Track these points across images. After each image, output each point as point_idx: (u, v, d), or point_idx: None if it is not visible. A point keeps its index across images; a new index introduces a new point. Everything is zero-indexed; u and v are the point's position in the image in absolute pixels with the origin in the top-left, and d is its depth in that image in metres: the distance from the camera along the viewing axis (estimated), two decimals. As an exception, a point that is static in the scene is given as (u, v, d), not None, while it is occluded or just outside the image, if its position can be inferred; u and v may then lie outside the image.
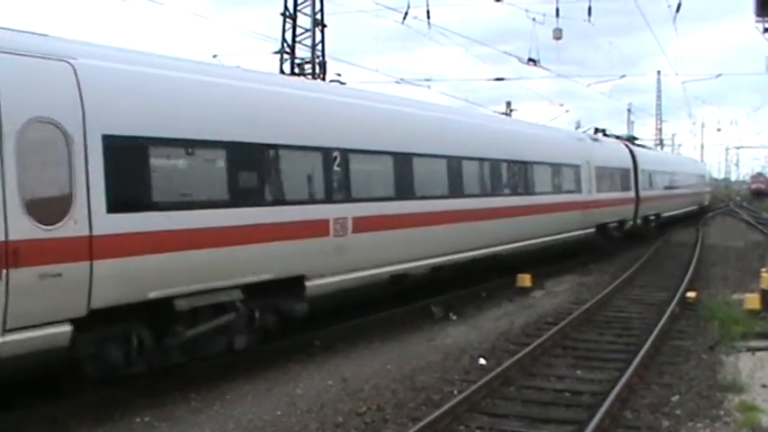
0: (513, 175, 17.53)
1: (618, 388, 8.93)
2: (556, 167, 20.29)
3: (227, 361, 10.25)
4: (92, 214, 7.76)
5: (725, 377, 9.97)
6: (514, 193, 17.53)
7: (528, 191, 18.26)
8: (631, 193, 27.32)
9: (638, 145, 33.68)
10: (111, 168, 8.01)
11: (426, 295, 14.74)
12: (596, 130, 28.95)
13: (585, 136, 25.30)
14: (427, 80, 32.78)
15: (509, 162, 17.26)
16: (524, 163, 18.16)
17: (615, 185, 25.36)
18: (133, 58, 8.99)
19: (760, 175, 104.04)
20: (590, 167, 22.73)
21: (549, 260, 20.73)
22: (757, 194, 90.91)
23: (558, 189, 20.29)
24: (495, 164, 16.56)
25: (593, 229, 22.85)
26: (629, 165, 27.75)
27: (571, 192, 21.26)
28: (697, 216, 44.29)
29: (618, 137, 30.82)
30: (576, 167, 21.88)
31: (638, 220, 28.34)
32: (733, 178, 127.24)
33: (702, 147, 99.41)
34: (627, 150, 28.47)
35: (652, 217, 30.85)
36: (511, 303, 16.23)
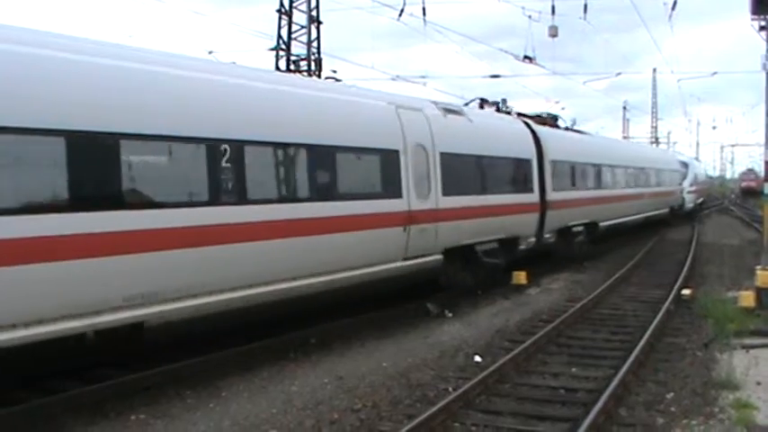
0: (209, 164, 9.46)
1: (613, 385, 8.95)
2: (327, 154, 11.41)
3: (223, 358, 10.25)
4: None
5: (719, 374, 10.00)
6: (213, 200, 9.46)
7: (243, 196, 9.89)
8: (532, 196, 18.39)
9: (555, 126, 23.03)
10: None
11: (422, 293, 14.75)
12: (482, 103, 19.74)
13: (425, 104, 15.00)
14: (423, 77, 32.72)
15: (191, 142, 9.24)
16: (226, 144, 9.61)
17: (496, 184, 16.43)
18: None
19: (750, 171, 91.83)
20: (428, 156, 13.87)
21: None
22: (748, 193, 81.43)
23: (330, 192, 11.45)
24: (133, 145, 8.56)
25: (437, 257, 14.14)
26: (529, 153, 18.63)
27: (375, 196, 12.41)
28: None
29: (522, 114, 20.99)
30: (392, 155, 12.92)
31: (548, 235, 19.49)
32: (728, 176, 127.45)
33: (698, 144, 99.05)
34: (526, 132, 18.98)
35: (578, 228, 21.91)
36: (506, 300, 16.25)
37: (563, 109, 59.07)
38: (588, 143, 25.19)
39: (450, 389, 9.32)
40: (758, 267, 14.67)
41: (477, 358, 10.97)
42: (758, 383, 9.67)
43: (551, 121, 22.98)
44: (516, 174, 17.77)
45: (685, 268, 19.86)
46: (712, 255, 24.70)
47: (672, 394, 9.21)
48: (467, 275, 15.62)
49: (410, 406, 8.77)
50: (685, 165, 44.28)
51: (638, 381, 9.77)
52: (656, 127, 73.59)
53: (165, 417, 8.42)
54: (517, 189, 17.57)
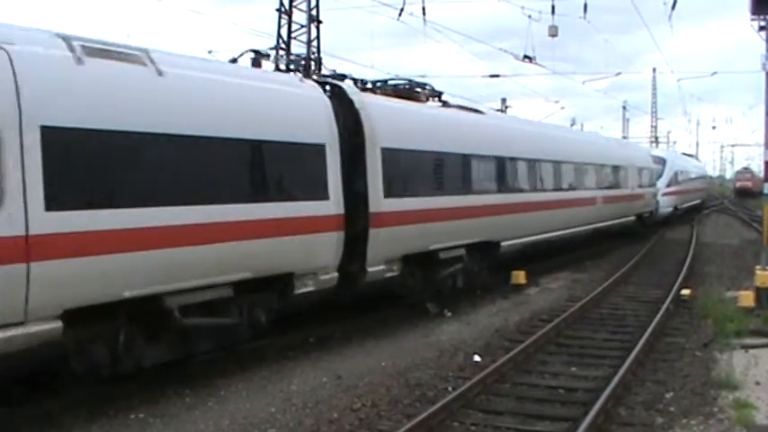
0: None
1: (612, 385, 8.95)
2: None
3: (222, 357, 10.25)
4: None
5: (719, 374, 10.00)
6: None
7: None
8: (325, 206, 11.16)
9: (417, 99, 14.98)
10: None
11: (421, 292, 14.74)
12: (258, 57, 11.98)
13: (10, 33, 7.58)
14: (423, 76, 32.69)
15: None
16: None
17: (225, 187, 9.57)
18: None
19: (746, 170, 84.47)
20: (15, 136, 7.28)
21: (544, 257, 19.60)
22: (743, 194, 74.01)
23: None
24: None
25: (32, 329, 7.37)
26: (320, 136, 11.30)
27: None
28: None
29: (332, 76, 13.94)
30: None
31: (379, 267, 12.32)
32: (728, 176, 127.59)
33: (698, 144, 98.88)
34: (314, 102, 11.51)
35: (453, 253, 14.41)
36: (505, 300, 16.24)
37: (562, 109, 58.73)
38: (482, 126, 16.81)
39: (450, 388, 9.32)
40: (758, 267, 14.68)
41: (477, 358, 10.97)
42: (757, 383, 9.67)
43: (416, 92, 15.06)
44: (283, 168, 10.53)
45: (685, 268, 19.86)
46: (712, 255, 24.70)
47: (671, 394, 9.22)
48: (152, 352, 8.96)
49: (409, 405, 8.77)
50: (662, 161, 36.52)
51: (638, 380, 9.77)
52: (655, 127, 73.56)
53: (165, 416, 8.42)
54: (286, 194, 10.44)
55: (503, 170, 16.88)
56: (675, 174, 37.64)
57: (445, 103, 16.26)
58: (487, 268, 16.20)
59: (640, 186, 29.67)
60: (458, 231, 14.55)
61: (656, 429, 8.04)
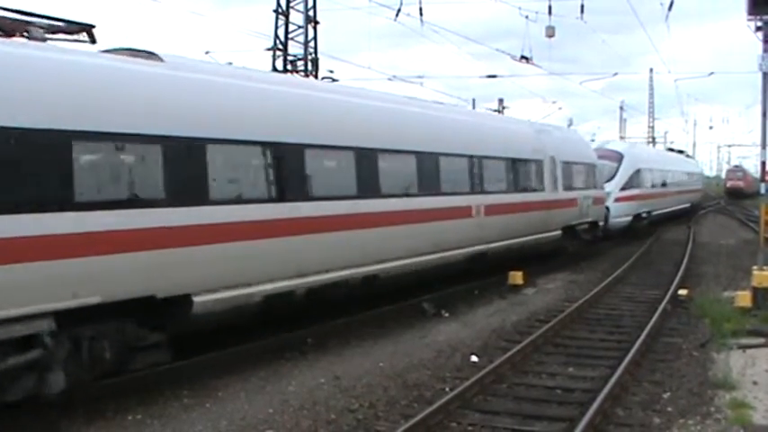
0: None
1: (609, 385, 8.96)
2: None
3: (220, 358, 10.25)
4: None
5: (716, 374, 10.02)
6: None
7: None
8: None
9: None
10: None
11: (418, 293, 14.75)
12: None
13: None
14: (420, 77, 32.75)
15: None
16: None
17: None
18: None
19: (737, 169, 79.12)
20: None
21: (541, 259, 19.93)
22: (734, 195, 70.08)
23: None
24: None
25: None
26: None
27: None
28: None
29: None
30: None
31: None
32: (724, 176, 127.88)
33: (695, 144, 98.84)
34: None
35: (19, 328, 7.23)
36: (503, 301, 16.25)
37: (560, 109, 58.49)
38: (157, 84, 9.16)
39: (447, 389, 9.33)
40: (754, 267, 14.70)
41: (474, 358, 10.98)
42: (755, 383, 9.69)
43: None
44: None
45: (682, 268, 19.88)
46: (709, 255, 24.73)
47: (668, 394, 9.23)
48: None
49: (407, 406, 8.78)
50: (617, 156, 28.76)
51: (635, 381, 9.78)
52: (652, 127, 73.76)
53: (162, 417, 8.41)
54: None
55: (195, 162, 9.21)
56: (637, 173, 29.35)
57: (56, 27, 8.98)
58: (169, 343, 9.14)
59: (569, 189, 21.51)
60: (15, 286, 7.21)
61: (654, 430, 8.06)
